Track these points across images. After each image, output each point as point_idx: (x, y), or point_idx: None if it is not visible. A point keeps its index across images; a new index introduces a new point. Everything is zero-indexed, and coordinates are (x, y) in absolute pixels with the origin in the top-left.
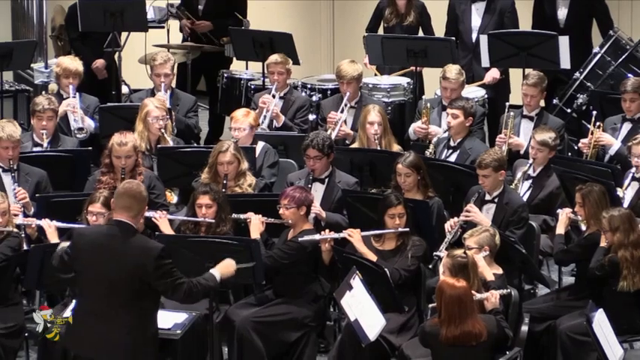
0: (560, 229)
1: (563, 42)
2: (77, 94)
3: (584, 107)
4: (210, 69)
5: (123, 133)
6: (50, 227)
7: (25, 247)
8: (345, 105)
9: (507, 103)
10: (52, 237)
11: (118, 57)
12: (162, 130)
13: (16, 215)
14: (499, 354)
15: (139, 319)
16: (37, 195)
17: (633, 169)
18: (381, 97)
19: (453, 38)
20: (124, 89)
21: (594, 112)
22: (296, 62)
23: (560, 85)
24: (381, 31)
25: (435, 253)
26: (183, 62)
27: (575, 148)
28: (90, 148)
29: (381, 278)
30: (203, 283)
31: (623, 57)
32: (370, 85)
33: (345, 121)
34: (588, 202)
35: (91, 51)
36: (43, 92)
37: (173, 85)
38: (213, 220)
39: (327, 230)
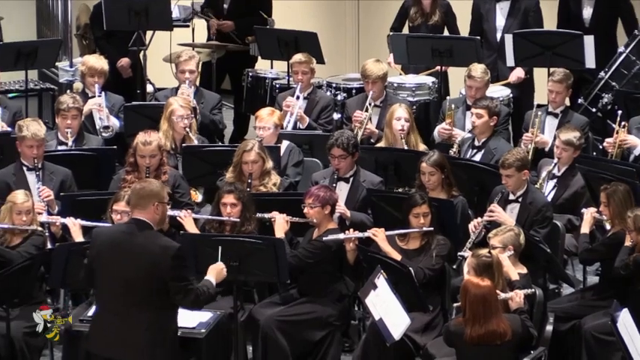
0: (585, 229)
1: (589, 41)
2: (102, 92)
3: (609, 107)
4: (235, 68)
5: (147, 132)
6: (75, 226)
7: (49, 245)
8: (370, 104)
9: (536, 103)
10: (77, 235)
11: (142, 56)
12: (187, 129)
13: (40, 214)
14: (523, 353)
15: (158, 316)
16: (61, 194)
17: None
18: (406, 97)
19: (478, 37)
20: (149, 88)
21: (619, 112)
22: (321, 61)
23: (585, 84)
24: (405, 31)
25: (459, 253)
26: (207, 61)
27: (600, 147)
28: (115, 146)
29: (405, 277)
30: (206, 291)
31: None
32: (395, 85)
33: (370, 119)
34: (613, 201)
35: (116, 50)
36: (68, 91)
37: (197, 83)
38: (238, 220)
39: (351, 229)
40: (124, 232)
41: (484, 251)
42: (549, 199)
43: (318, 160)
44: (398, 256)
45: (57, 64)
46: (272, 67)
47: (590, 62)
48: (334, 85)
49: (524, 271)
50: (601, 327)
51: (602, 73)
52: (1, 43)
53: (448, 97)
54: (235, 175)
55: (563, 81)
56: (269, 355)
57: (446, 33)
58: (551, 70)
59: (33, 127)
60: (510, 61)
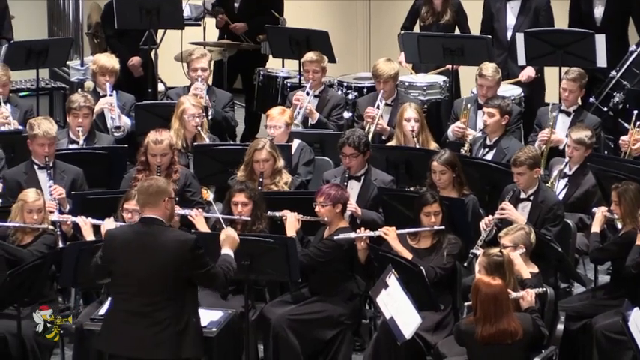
0: (596, 227)
1: (600, 40)
2: (114, 91)
3: (620, 106)
4: (247, 67)
5: (159, 131)
6: (86, 224)
7: (60, 244)
8: (381, 102)
9: (552, 102)
10: (88, 234)
11: (154, 54)
12: (199, 128)
13: (51, 212)
14: (535, 352)
15: (180, 310)
16: (72, 192)
17: None
18: (417, 95)
19: (489, 36)
20: (160, 87)
21: (635, 112)
22: (332, 60)
23: (597, 83)
24: (417, 30)
25: (470, 251)
26: (219, 60)
27: (612, 146)
28: (126, 145)
29: (416, 276)
30: (230, 266)
31: None
32: (406, 83)
33: (381, 116)
34: (624, 200)
35: (127, 48)
36: (79, 90)
37: (209, 82)
38: (249, 218)
39: (362, 228)
40: (139, 232)
41: (495, 250)
42: (560, 198)
43: (330, 158)
44: (409, 255)
45: (68, 62)
46: (283, 66)
47: (602, 61)
48: (345, 83)
49: (536, 269)
50: (612, 326)
51: (613, 72)
52: (12, 42)
53: (464, 97)
54: (246, 173)
55: (577, 80)
56: (280, 353)
57: (457, 32)
58: (566, 68)
59: (45, 126)
60: (521, 59)
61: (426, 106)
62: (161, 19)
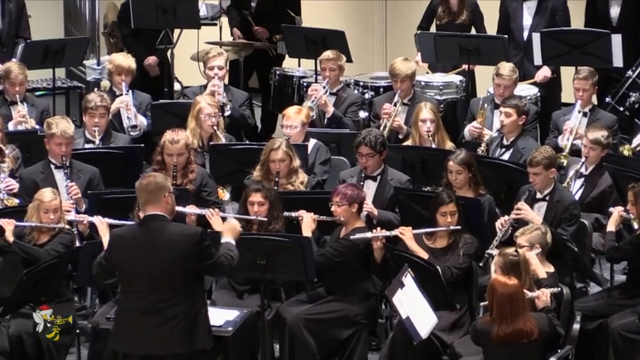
0: (611, 227)
1: (616, 40)
2: (130, 91)
3: (636, 105)
4: (263, 66)
5: (175, 131)
6: (102, 224)
7: (77, 243)
8: (397, 101)
9: (578, 102)
10: (104, 234)
11: (170, 54)
12: (215, 127)
13: (68, 212)
14: (551, 352)
15: (190, 305)
16: (88, 192)
17: None
18: (434, 95)
19: (506, 36)
20: (176, 86)
21: None
22: (349, 60)
23: (613, 83)
24: (433, 30)
25: (486, 252)
26: (235, 59)
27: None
28: (142, 145)
29: (432, 276)
30: (232, 254)
31: None
32: (423, 83)
33: (398, 115)
34: None
35: (144, 48)
36: (95, 89)
37: (226, 81)
38: (266, 218)
39: (378, 228)
40: (145, 230)
41: (511, 250)
42: (577, 197)
43: (346, 158)
44: (425, 255)
45: (84, 62)
46: (300, 66)
47: (618, 61)
48: (362, 83)
49: (552, 269)
50: (628, 326)
51: (629, 72)
52: (29, 41)
53: (481, 97)
54: (262, 173)
55: (588, 78)
56: (296, 353)
57: (473, 32)
58: (577, 68)
59: (62, 125)
60: (538, 59)
61: (442, 105)
62: (177, 18)
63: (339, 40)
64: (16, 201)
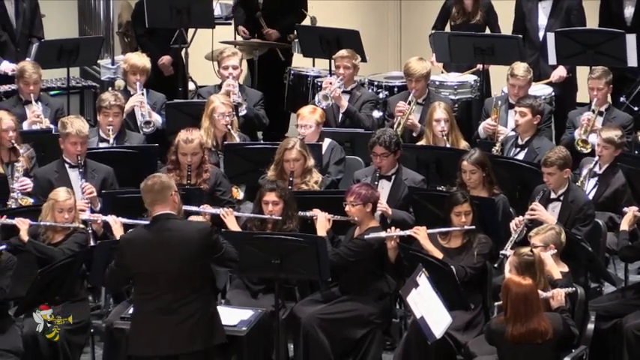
0: (625, 226)
1: (631, 40)
2: (144, 90)
3: None
4: (268, 68)
5: (189, 130)
6: (116, 223)
7: (92, 243)
8: (412, 100)
9: (594, 105)
10: (118, 233)
11: (184, 53)
12: (229, 127)
13: (82, 211)
14: (565, 352)
15: (204, 301)
16: (103, 191)
17: None
18: (448, 95)
19: (520, 36)
20: (191, 86)
21: None
22: (363, 59)
23: (627, 83)
24: (447, 30)
25: (500, 252)
26: (250, 59)
27: None
28: (156, 144)
29: (447, 276)
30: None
31: None
32: (437, 83)
33: (411, 113)
34: None
35: (158, 47)
36: (110, 88)
37: (241, 81)
38: (280, 217)
39: (393, 227)
40: (156, 230)
41: (526, 250)
42: (590, 197)
43: (360, 157)
44: (439, 255)
45: (99, 61)
46: (314, 65)
47: (632, 61)
48: (376, 83)
49: (566, 269)
50: None
51: None
52: (43, 41)
53: (495, 94)
54: (277, 173)
55: (602, 77)
56: (310, 353)
57: (487, 32)
58: (591, 68)
59: (77, 124)
60: (552, 59)
61: (456, 105)
62: (191, 17)
63: (354, 40)
64: (30, 200)
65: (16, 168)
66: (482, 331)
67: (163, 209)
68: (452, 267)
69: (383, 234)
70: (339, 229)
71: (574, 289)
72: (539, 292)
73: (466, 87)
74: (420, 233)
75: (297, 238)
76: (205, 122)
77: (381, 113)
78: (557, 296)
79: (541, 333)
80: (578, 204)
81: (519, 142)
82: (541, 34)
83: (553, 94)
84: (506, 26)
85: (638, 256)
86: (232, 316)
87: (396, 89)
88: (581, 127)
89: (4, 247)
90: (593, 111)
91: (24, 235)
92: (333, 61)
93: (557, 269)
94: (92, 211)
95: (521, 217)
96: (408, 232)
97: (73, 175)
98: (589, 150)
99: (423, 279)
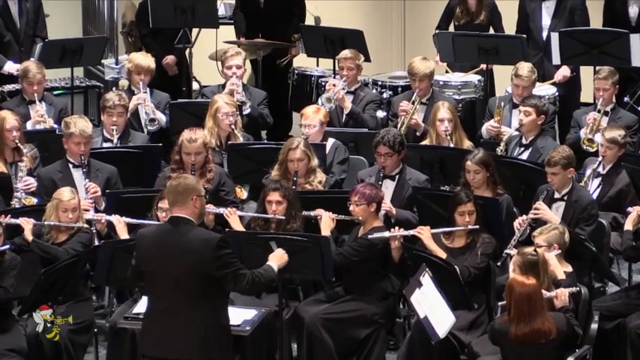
0: (629, 226)
1: (635, 40)
2: (148, 90)
3: None
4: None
5: (193, 130)
6: (120, 223)
7: (95, 242)
8: (416, 100)
9: (599, 101)
10: (122, 233)
11: (188, 53)
12: (233, 127)
13: (86, 211)
14: (568, 352)
15: (211, 312)
16: (107, 191)
17: None
18: (452, 95)
19: (524, 36)
20: (195, 85)
21: None
22: (367, 59)
23: (631, 83)
24: (451, 30)
25: (504, 252)
26: (254, 59)
27: None
28: (160, 144)
29: (450, 276)
30: (264, 274)
31: None
32: (441, 83)
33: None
34: None
35: (162, 47)
36: (114, 88)
37: (244, 81)
38: (284, 217)
39: (397, 227)
40: (167, 231)
41: (530, 249)
42: (594, 197)
43: (364, 157)
44: (443, 255)
45: (103, 61)
46: (318, 65)
47: (637, 60)
48: (380, 82)
49: (570, 269)
50: None
51: None
52: (46, 41)
53: (498, 95)
54: (281, 172)
55: (609, 77)
56: (314, 352)
57: (491, 32)
58: (597, 68)
59: (80, 124)
60: (556, 59)
61: (460, 105)
62: (195, 17)
63: (358, 40)
64: (34, 200)
65: (19, 168)
66: (486, 330)
67: (181, 212)
68: (455, 267)
69: (387, 234)
70: (343, 229)
71: (578, 288)
72: (543, 291)
73: (470, 87)
74: (424, 233)
75: (300, 238)
76: (209, 122)
77: (384, 113)
78: (561, 296)
79: (545, 333)
80: (582, 204)
81: (523, 141)
82: (544, 35)
83: (557, 94)
84: (509, 26)
85: None
86: (236, 315)
87: (399, 89)
88: (587, 127)
89: (7, 246)
90: (599, 111)
91: (28, 235)
92: (336, 61)
93: (561, 270)
94: (96, 211)
95: (524, 217)
96: (411, 232)
97: (77, 174)
98: (595, 149)
99: (426, 279)
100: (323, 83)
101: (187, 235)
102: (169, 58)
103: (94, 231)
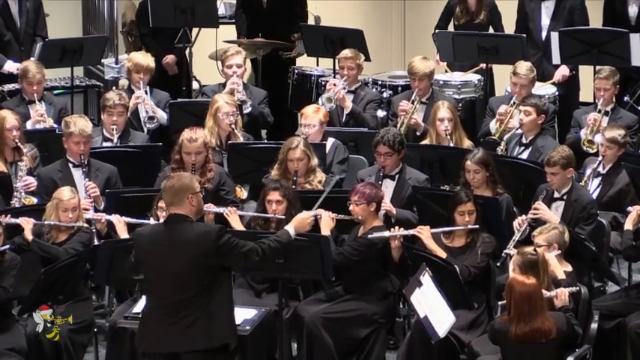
0: (629, 225)
1: (635, 39)
2: (148, 89)
3: None
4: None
5: (193, 129)
6: (120, 223)
7: (95, 242)
8: (415, 99)
9: (599, 101)
10: (122, 232)
11: (188, 53)
12: (233, 126)
13: (86, 210)
14: (568, 351)
15: (213, 303)
16: (106, 190)
17: None
18: (452, 94)
19: (524, 35)
20: (195, 85)
21: None
22: (367, 59)
23: (631, 82)
24: (451, 29)
25: (504, 251)
26: (254, 58)
27: None
28: (160, 143)
29: (450, 275)
30: (276, 239)
31: None
32: (441, 82)
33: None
34: None
35: (162, 47)
36: (114, 88)
37: (245, 80)
38: (283, 217)
39: (397, 227)
40: (164, 229)
41: (529, 249)
42: (594, 197)
43: (364, 157)
44: (443, 254)
45: (102, 61)
46: (318, 65)
47: (637, 60)
48: (380, 82)
49: (570, 268)
50: None
51: None
52: (46, 40)
53: (500, 95)
54: (281, 172)
55: (610, 77)
56: (314, 352)
57: (491, 31)
58: (598, 67)
59: (80, 124)
60: (556, 58)
61: (460, 104)
62: (195, 17)
63: (358, 39)
64: (34, 200)
65: (19, 167)
66: (486, 330)
67: (178, 210)
68: (455, 266)
69: (387, 233)
70: (342, 229)
71: (578, 288)
72: (543, 291)
73: (470, 86)
74: (424, 232)
75: (301, 238)
76: (209, 121)
77: (384, 112)
78: (561, 295)
79: (545, 332)
80: (582, 203)
81: (523, 140)
82: (544, 34)
83: (557, 93)
84: (509, 26)
85: None
86: (236, 315)
87: (399, 88)
88: (588, 127)
89: (7, 246)
90: (600, 111)
91: (28, 235)
92: (337, 61)
93: (561, 270)
94: (96, 211)
95: (524, 216)
96: (411, 232)
97: (77, 174)
98: (595, 150)
99: (426, 278)
100: (323, 83)
101: (186, 230)
102: (169, 58)
103: (94, 230)
